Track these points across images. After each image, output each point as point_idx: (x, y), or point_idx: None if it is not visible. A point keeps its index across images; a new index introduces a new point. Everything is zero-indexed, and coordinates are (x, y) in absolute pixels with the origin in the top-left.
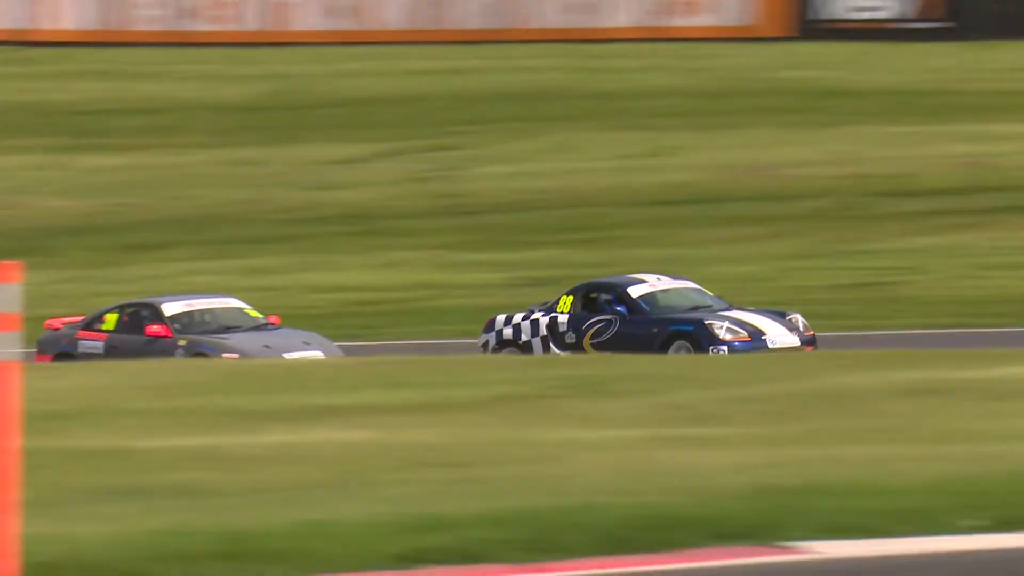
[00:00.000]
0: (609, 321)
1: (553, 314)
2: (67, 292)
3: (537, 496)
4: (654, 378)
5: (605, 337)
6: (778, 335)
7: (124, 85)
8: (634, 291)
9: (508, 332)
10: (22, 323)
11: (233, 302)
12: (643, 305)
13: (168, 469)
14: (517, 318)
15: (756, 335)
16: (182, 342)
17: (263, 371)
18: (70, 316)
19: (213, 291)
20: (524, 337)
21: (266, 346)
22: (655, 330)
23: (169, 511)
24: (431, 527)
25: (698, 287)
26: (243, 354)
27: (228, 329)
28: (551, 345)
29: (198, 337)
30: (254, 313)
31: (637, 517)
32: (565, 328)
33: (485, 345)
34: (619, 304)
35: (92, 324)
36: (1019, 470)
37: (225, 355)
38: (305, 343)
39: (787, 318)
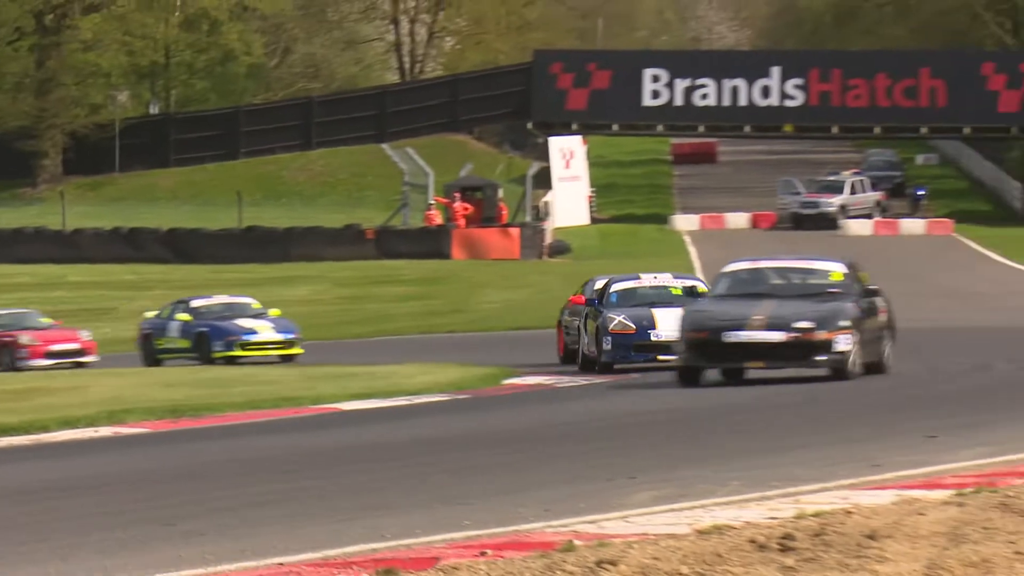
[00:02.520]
0: (592, 309)
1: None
2: None
3: None
4: None
5: (593, 322)
6: (667, 329)
7: None
8: (617, 285)
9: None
10: None
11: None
12: (612, 298)
13: None
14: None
15: (644, 328)
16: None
17: None
18: None
19: None
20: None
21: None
22: (602, 320)
23: None
24: None
25: (694, 285)
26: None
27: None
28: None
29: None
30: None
31: None
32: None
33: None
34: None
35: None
36: None
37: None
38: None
39: None
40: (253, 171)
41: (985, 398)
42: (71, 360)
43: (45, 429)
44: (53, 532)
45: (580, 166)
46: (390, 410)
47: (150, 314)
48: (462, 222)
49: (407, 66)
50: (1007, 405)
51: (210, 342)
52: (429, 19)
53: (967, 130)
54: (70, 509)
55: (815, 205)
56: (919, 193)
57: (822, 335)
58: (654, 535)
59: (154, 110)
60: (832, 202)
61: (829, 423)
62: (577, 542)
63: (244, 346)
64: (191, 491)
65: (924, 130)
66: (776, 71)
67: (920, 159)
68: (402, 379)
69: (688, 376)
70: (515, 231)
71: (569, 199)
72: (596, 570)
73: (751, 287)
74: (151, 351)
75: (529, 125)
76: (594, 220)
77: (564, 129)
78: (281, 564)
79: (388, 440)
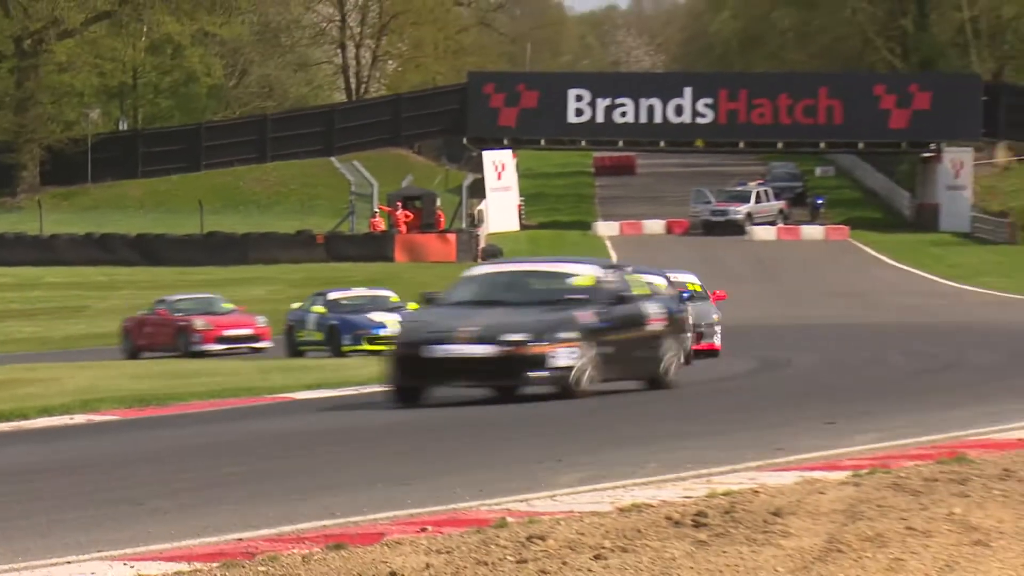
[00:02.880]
0: None
1: None
2: None
3: None
4: None
5: None
6: None
7: None
8: None
9: None
10: None
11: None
12: None
13: None
14: None
15: None
16: None
17: None
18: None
19: None
20: None
21: None
22: None
23: None
24: None
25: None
26: None
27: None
28: None
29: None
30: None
31: None
32: None
33: None
34: None
35: None
36: None
37: None
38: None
39: None
40: (213, 182)
41: (880, 388)
42: (245, 345)
43: (24, 416)
44: (33, 511)
45: (511, 177)
46: (339, 399)
47: (295, 305)
48: (404, 228)
49: (353, 86)
50: (899, 394)
51: (340, 335)
52: (373, 44)
53: (861, 145)
54: (48, 490)
55: (724, 213)
56: (818, 202)
57: (536, 348)
58: (579, 512)
59: (123, 126)
60: (739, 210)
61: (740, 411)
62: (509, 519)
63: (372, 340)
64: (158, 473)
65: (822, 145)
66: (688, 91)
67: (818, 171)
68: (350, 371)
69: (405, 395)
70: (452, 236)
71: (501, 207)
72: (527, 544)
73: (486, 293)
74: (293, 343)
75: (464, 140)
76: (524, 226)
77: (496, 144)
78: (240, 540)
79: (337, 426)
